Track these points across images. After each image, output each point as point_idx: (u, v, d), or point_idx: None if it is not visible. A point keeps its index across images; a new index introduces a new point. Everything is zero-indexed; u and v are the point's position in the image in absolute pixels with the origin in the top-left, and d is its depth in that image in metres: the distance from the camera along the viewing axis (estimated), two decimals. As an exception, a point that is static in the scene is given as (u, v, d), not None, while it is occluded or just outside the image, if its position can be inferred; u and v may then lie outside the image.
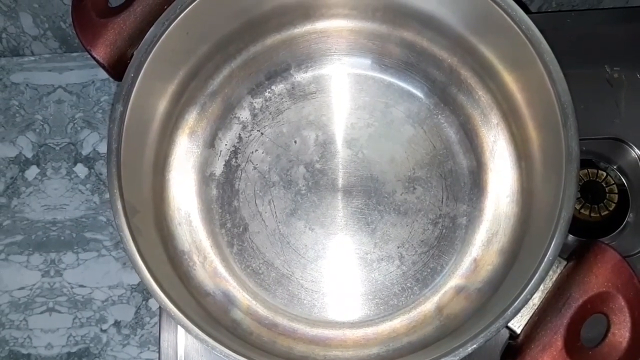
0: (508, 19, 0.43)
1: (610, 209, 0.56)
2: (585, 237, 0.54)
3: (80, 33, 0.45)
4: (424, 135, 0.54)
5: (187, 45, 0.47)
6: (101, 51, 0.45)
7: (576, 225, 0.55)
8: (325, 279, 0.53)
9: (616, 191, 0.56)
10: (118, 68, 0.45)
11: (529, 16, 0.43)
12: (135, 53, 0.44)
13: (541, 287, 0.41)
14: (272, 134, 0.54)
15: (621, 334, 0.40)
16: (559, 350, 0.40)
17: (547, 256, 0.40)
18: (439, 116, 0.54)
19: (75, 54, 0.64)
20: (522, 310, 0.40)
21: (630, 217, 0.55)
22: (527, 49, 0.43)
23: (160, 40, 0.44)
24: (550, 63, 0.42)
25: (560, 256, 0.41)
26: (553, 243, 0.41)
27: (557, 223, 0.41)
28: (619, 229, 0.55)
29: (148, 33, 0.44)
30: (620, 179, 0.57)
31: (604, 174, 0.57)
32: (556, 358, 0.40)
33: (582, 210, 0.56)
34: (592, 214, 0.56)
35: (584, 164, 0.57)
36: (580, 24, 0.59)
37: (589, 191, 0.56)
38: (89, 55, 0.46)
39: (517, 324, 0.41)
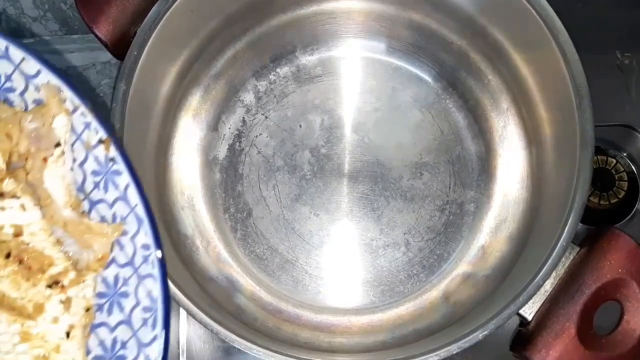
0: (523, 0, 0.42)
1: (620, 196, 0.55)
2: (594, 225, 0.53)
3: (82, 10, 0.44)
4: (431, 120, 0.53)
5: (191, 24, 0.46)
6: (103, 29, 0.44)
7: (585, 213, 0.53)
8: (330, 265, 0.52)
9: (626, 179, 0.55)
10: (120, 47, 0.44)
11: (541, -3, 0.42)
12: (138, 31, 0.43)
13: (553, 273, 0.40)
14: (276, 117, 0.53)
15: (635, 321, 0.39)
16: (571, 337, 0.39)
17: (560, 242, 0.40)
18: (447, 100, 0.53)
19: (75, 36, 0.63)
20: (533, 297, 0.40)
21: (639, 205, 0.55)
22: (540, 29, 0.42)
23: (164, 18, 0.43)
24: (565, 44, 0.41)
25: (572, 242, 0.41)
26: (567, 228, 0.40)
27: (571, 208, 0.40)
28: (629, 217, 0.54)
29: (151, 10, 0.43)
30: (630, 167, 0.56)
31: (614, 161, 0.56)
32: (568, 345, 0.39)
33: (591, 198, 0.55)
34: (602, 202, 0.55)
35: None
36: (590, 9, 0.58)
37: (598, 178, 0.56)
38: (89, 38, 0.45)
39: (529, 311, 0.41)
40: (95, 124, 0.36)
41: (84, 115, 0.36)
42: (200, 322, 0.40)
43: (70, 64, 0.61)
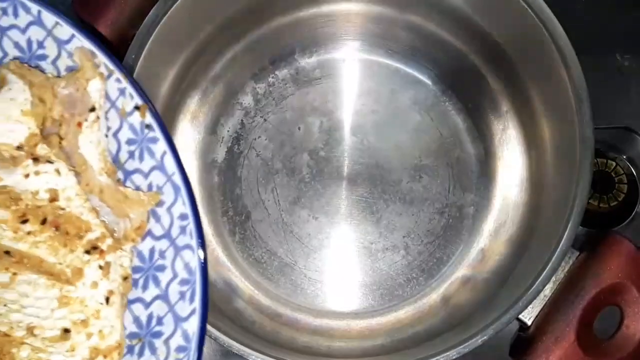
0: (522, 2, 0.42)
1: (620, 199, 0.55)
2: (594, 228, 0.53)
3: (80, 12, 0.44)
4: (430, 123, 0.53)
5: (189, 26, 0.46)
6: (102, 31, 0.43)
7: (585, 216, 0.53)
8: (329, 269, 0.52)
9: (625, 181, 0.55)
10: (118, 49, 0.43)
11: (541, -1, 0.42)
12: (136, 34, 0.43)
13: (553, 278, 0.40)
14: (275, 120, 0.53)
15: (635, 326, 0.39)
16: (571, 342, 0.39)
17: (560, 246, 0.40)
18: (447, 103, 0.53)
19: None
20: (533, 302, 0.40)
21: (639, 207, 0.54)
22: (540, 32, 0.42)
23: (162, 21, 0.43)
24: (565, 47, 0.41)
25: (572, 247, 0.40)
26: (566, 233, 0.40)
27: (571, 212, 0.40)
28: (628, 220, 0.54)
29: (150, 13, 0.42)
30: (630, 169, 0.56)
31: (613, 163, 0.56)
32: (568, 350, 0.39)
33: (590, 201, 0.55)
34: (601, 205, 0.55)
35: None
36: (590, 11, 0.57)
37: (598, 181, 0.55)
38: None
39: (528, 316, 0.40)
40: (130, 89, 0.35)
41: (119, 81, 0.36)
42: (198, 327, 0.40)
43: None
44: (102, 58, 0.36)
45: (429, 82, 0.53)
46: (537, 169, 0.47)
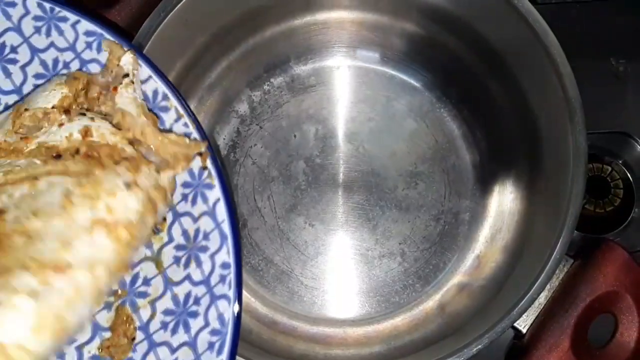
0: (514, 10, 0.42)
1: (615, 204, 0.55)
2: (590, 233, 0.53)
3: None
4: (426, 130, 0.53)
5: (184, 36, 0.46)
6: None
7: (580, 221, 0.53)
8: (325, 276, 0.52)
9: (621, 186, 0.55)
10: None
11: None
12: (132, 43, 0.43)
13: (547, 286, 0.40)
14: (271, 128, 0.53)
15: (629, 334, 0.39)
16: (565, 350, 0.39)
17: (554, 254, 0.40)
18: (442, 110, 0.53)
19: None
20: (528, 310, 0.40)
21: (635, 212, 0.54)
22: (533, 41, 0.42)
23: (158, 30, 0.43)
24: (558, 56, 0.41)
25: (567, 254, 0.40)
26: (560, 241, 0.40)
27: (565, 220, 0.40)
28: (624, 225, 0.54)
29: (144, 24, 0.43)
30: (626, 174, 0.56)
31: (609, 168, 0.56)
32: (563, 358, 0.39)
33: (586, 206, 0.55)
34: (597, 209, 0.55)
35: (589, 158, 0.55)
36: (585, 16, 0.57)
37: (594, 186, 0.55)
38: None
39: (523, 324, 0.41)
40: (195, 134, 0.36)
41: (186, 126, 0.36)
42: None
43: (65, 73, 0.61)
44: (173, 102, 0.36)
45: (424, 88, 0.53)
46: (532, 176, 0.47)
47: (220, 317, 0.34)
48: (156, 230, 0.36)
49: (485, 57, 0.48)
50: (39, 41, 0.38)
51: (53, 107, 0.35)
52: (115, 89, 0.36)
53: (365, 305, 0.51)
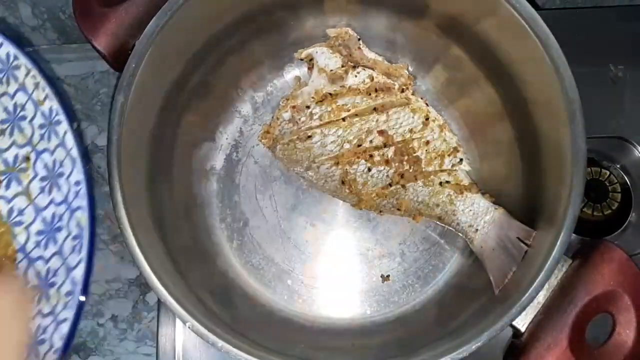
0: (515, 13, 0.42)
1: (613, 208, 0.55)
2: (588, 236, 0.53)
3: (81, 22, 0.44)
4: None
5: (189, 36, 0.47)
6: (102, 41, 0.44)
7: (578, 224, 0.54)
8: (325, 276, 0.52)
9: (619, 190, 0.56)
10: (119, 58, 0.44)
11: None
12: (136, 43, 0.43)
13: (546, 285, 0.40)
14: (273, 128, 0.54)
15: (626, 333, 0.40)
16: (563, 349, 0.39)
17: (552, 254, 0.40)
18: (442, 111, 0.54)
19: (74, 46, 0.63)
20: (526, 309, 0.40)
21: (632, 216, 0.55)
22: (534, 44, 0.42)
23: (162, 31, 0.43)
24: (558, 59, 0.41)
25: (565, 254, 0.41)
26: (559, 241, 0.40)
27: (564, 221, 0.40)
28: (622, 229, 0.54)
29: (150, 23, 0.43)
30: (623, 178, 0.56)
31: (607, 172, 0.56)
32: (561, 357, 0.39)
33: (584, 209, 0.55)
34: (595, 213, 0.55)
35: (587, 162, 0.56)
36: (584, 22, 0.58)
37: (592, 190, 0.56)
38: (87, 47, 0.46)
39: (522, 323, 0.41)
40: (43, 83, 0.46)
41: (34, 77, 0.46)
42: (196, 332, 0.41)
43: (68, 72, 0.61)
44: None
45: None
46: (531, 178, 0.48)
47: (78, 225, 0.43)
48: (24, 169, 0.46)
49: (486, 60, 0.49)
50: None
51: (342, 66, 0.51)
52: (359, 48, 0.52)
53: (365, 305, 0.52)
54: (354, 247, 0.53)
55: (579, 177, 0.41)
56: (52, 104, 0.45)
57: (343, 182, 0.50)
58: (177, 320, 0.51)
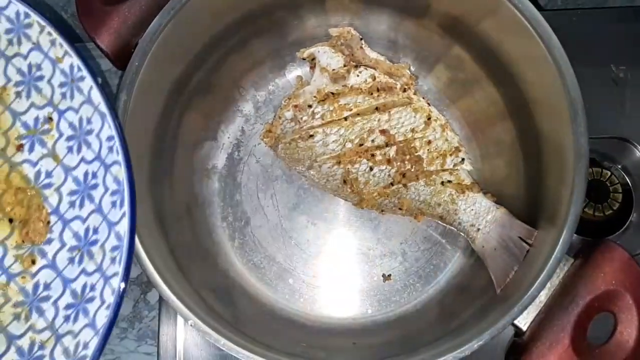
0: (518, 13, 0.42)
1: (614, 208, 0.55)
2: (589, 237, 0.53)
3: (84, 21, 0.44)
4: (428, 131, 0.53)
5: (191, 35, 0.47)
6: (105, 39, 0.44)
7: (580, 224, 0.54)
8: (327, 275, 0.52)
9: (620, 191, 0.56)
10: (122, 57, 0.44)
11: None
12: (139, 42, 0.43)
13: (548, 284, 0.40)
14: (275, 127, 0.54)
15: (628, 332, 0.40)
16: (565, 348, 0.39)
17: (554, 253, 0.40)
18: (444, 111, 0.54)
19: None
20: (528, 308, 0.40)
21: (634, 216, 0.55)
22: (537, 44, 0.42)
23: (165, 30, 0.43)
24: (560, 58, 0.42)
25: (567, 254, 0.41)
26: (561, 240, 0.40)
27: (566, 220, 0.40)
28: (623, 229, 0.55)
29: (153, 22, 0.43)
30: (625, 179, 0.56)
31: (608, 173, 0.56)
32: (563, 356, 0.39)
33: (586, 209, 0.55)
34: (596, 213, 0.55)
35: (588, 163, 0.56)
36: (586, 23, 0.58)
37: (593, 190, 0.56)
38: (90, 46, 0.46)
39: (524, 321, 0.41)
40: (60, 40, 0.42)
41: (50, 34, 0.42)
42: (198, 330, 0.41)
43: (70, 72, 0.61)
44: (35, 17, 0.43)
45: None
46: (532, 178, 0.48)
47: (116, 179, 0.40)
48: (47, 130, 0.43)
49: (488, 60, 0.49)
50: None
51: (344, 66, 0.52)
52: (361, 47, 0.53)
53: (366, 304, 0.52)
54: (356, 247, 0.53)
55: (581, 177, 0.41)
56: (72, 60, 0.42)
57: (345, 182, 0.51)
58: (179, 319, 0.51)
